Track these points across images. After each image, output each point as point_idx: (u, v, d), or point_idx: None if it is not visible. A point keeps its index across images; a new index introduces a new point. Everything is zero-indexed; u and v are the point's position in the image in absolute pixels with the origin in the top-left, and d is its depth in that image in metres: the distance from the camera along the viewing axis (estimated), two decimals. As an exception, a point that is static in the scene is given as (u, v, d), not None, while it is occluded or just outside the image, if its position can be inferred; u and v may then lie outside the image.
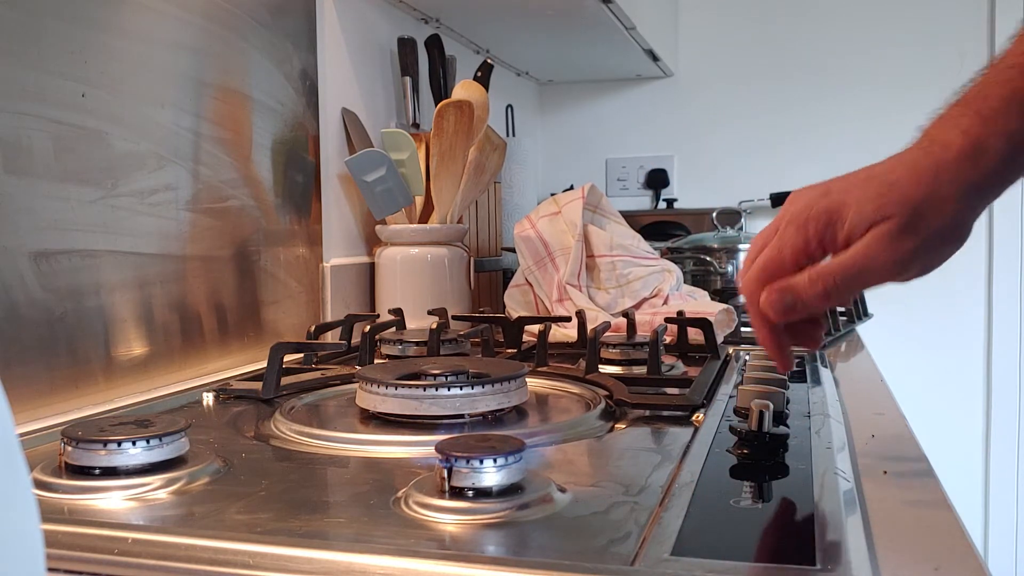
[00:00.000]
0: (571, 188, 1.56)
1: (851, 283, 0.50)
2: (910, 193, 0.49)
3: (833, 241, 0.52)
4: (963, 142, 0.48)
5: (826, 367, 0.91)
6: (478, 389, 0.65)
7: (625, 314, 1.04)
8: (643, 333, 1.00)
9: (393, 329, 1.04)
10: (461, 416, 0.65)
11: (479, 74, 1.40)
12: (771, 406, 0.54)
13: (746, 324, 1.24)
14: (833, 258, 0.51)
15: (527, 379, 0.71)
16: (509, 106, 1.89)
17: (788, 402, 0.62)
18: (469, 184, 1.22)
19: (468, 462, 0.44)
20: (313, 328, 0.96)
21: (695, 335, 0.98)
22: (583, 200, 1.22)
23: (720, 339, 1.03)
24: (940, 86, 0.51)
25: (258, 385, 0.76)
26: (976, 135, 0.48)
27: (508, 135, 1.87)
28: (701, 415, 0.66)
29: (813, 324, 0.56)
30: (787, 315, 0.52)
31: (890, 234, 0.49)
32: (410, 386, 0.64)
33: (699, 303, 1.16)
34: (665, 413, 0.68)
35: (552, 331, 1.05)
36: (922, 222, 0.49)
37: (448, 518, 0.43)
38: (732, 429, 0.56)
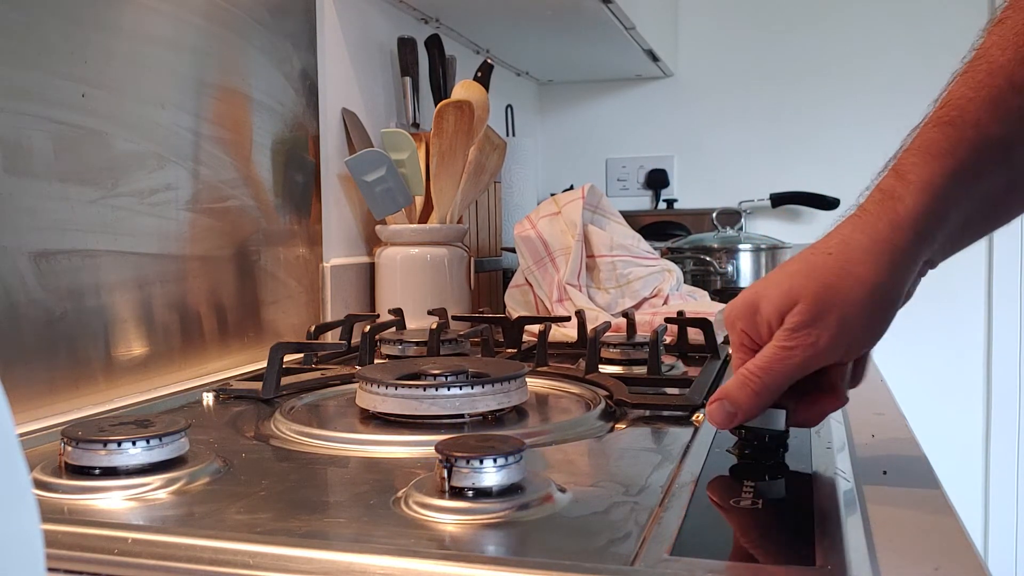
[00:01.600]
0: (571, 188, 1.56)
1: (777, 378, 0.49)
2: (816, 274, 0.48)
3: (759, 336, 0.51)
4: (878, 210, 0.48)
5: (826, 367, 0.91)
6: (478, 389, 0.65)
7: (625, 314, 1.04)
8: (643, 333, 1.00)
9: (393, 329, 1.04)
10: (461, 416, 0.65)
11: (479, 74, 1.40)
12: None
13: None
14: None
15: (527, 379, 0.71)
16: (509, 106, 1.89)
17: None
18: (469, 184, 1.22)
19: (468, 462, 0.44)
20: (313, 328, 0.96)
21: (695, 335, 0.98)
22: (583, 200, 1.22)
23: (720, 339, 1.03)
24: (939, 89, 0.50)
25: (258, 385, 0.76)
26: (891, 191, 0.47)
27: (508, 135, 1.87)
28: (701, 415, 0.66)
29: (831, 393, 0.53)
30: (731, 423, 0.51)
31: (803, 321, 0.48)
32: (410, 386, 0.64)
33: (699, 303, 1.16)
34: (665, 413, 0.68)
35: (552, 331, 1.05)
36: (834, 301, 0.48)
37: (448, 518, 0.43)
38: (732, 429, 0.56)
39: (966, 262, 2.01)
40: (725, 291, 1.51)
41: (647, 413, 0.69)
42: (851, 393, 0.70)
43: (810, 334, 0.48)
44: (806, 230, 2.13)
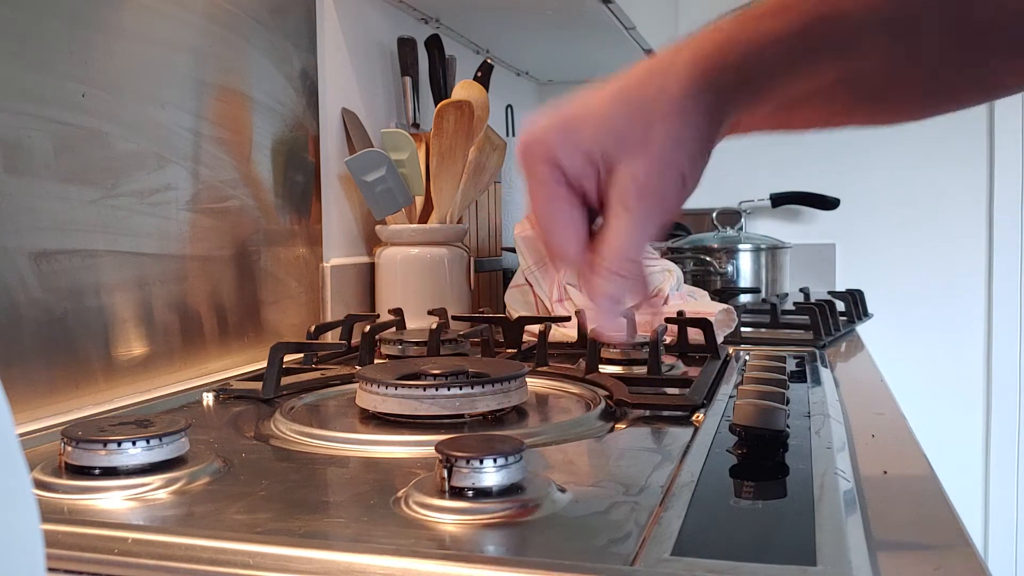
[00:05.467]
0: (571, 188, 1.55)
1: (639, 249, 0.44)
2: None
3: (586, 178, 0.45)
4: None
5: (826, 367, 0.91)
6: (478, 389, 0.65)
7: (625, 314, 1.04)
8: (643, 333, 1.00)
9: (393, 329, 1.04)
10: (461, 416, 0.65)
11: (479, 74, 1.40)
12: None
13: (747, 324, 1.24)
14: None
15: (527, 379, 0.71)
16: (509, 106, 1.89)
17: (788, 402, 0.62)
18: (469, 184, 1.22)
19: (468, 462, 0.44)
20: (313, 328, 0.96)
21: (695, 335, 0.98)
22: (583, 200, 1.21)
23: (720, 339, 1.03)
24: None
25: (258, 385, 0.76)
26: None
27: (508, 135, 1.87)
28: (701, 415, 0.66)
29: None
30: (620, 324, 0.46)
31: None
32: (410, 386, 0.64)
33: (699, 303, 1.16)
34: (665, 413, 0.68)
35: (552, 331, 1.05)
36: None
37: (448, 518, 0.43)
38: (732, 429, 0.56)
39: (966, 262, 2.02)
40: (725, 291, 1.51)
41: (647, 413, 0.69)
42: (851, 393, 0.70)
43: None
44: (806, 230, 2.13)
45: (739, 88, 0.44)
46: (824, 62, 0.43)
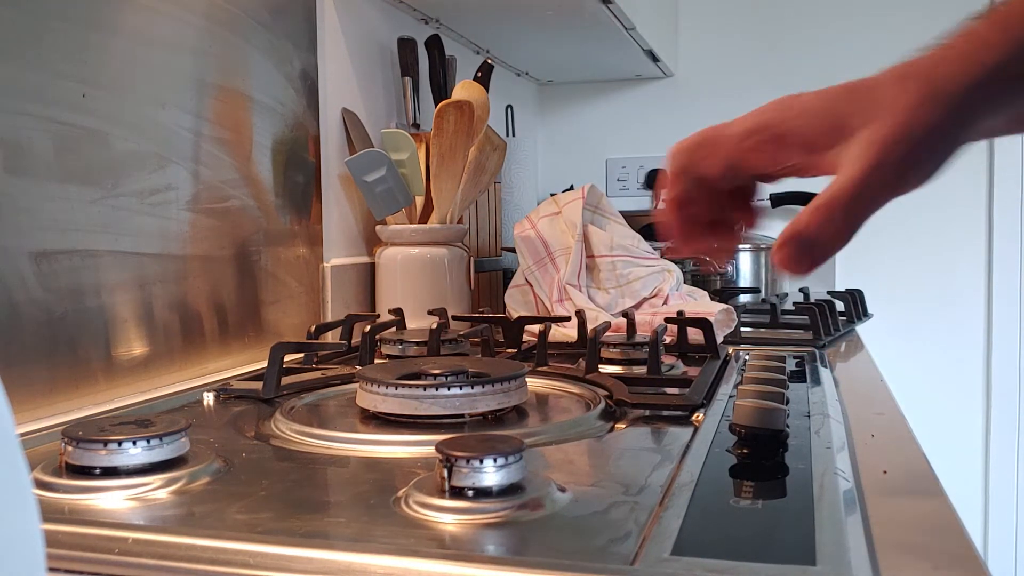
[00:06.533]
0: (571, 188, 1.56)
1: (866, 207, 0.45)
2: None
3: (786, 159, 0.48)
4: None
5: (826, 367, 0.91)
6: (478, 389, 0.65)
7: (625, 314, 1.04)
8: (643, 333, 1.00)
9: (393, 329, 1.04)
10: (461, 416, 0.65)
11: (479, 74, 1.40)
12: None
13: (746, 324, 1.24)
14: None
15: (527, 379, 0.71)
16: (509, 106, 1.89)
17: (788, 402, 0.62)
18: (469, 184, 1.22)
19: (468, 462, 0.44)
20: (313, 328, 0.96)
21: (695, 335, 0.98)
22: (583, 200, 1.22)
23: (720, 339, 1.03)
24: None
25: (258, 385, 0.76)
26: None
27: (508, 135, 1.87)
28: (701, 415, 0.66)
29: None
30: (812, 265, 0.46)
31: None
32: (410, 386, 0.64)
33: (699, 303, 1.16)
34: (665, 413, 0.68)
35: (552, 331, 1.05)
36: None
37: (448, 518, 0.43)
38: (732, 429, 0.56)
39: (966, 262, 2.02)
40: (725, 291, 1.51)
41: (647, 413, 0.69)
42: (851, 393, 0.70)
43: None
44: (806, 230, 2.13)
45: (1000, 94, 0.44)
46: None
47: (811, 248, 0.45)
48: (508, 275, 1.38)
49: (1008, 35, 0.43)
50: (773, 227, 2.36)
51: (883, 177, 0.43)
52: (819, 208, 0.44)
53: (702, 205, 0.52)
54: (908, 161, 0.43)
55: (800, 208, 1.80)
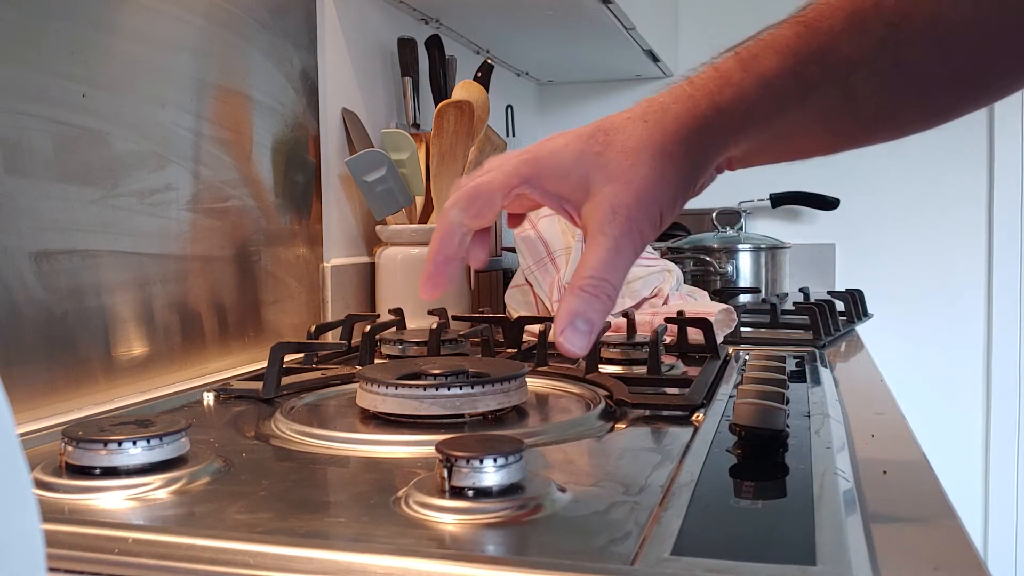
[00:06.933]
0: (571, 188, 1.55)
1: (620, 278, 0.48)
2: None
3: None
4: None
5: (826, 367, 0.91)
6: (478, 389, 0.65)
7: (625, 314, 1.04)
8: (643, 333, 1.00)
9: (393, 329, 1.04)
10: (461, 416, 0.65)
11: (479, 74, 1.40)
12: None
13: (746, 324, 1.24)
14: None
15: (527, 379, 0.71)
16: (509, 106, 1.89)
17: (788, 401, 0.62)
18: (469, 184, 1.22)
19: (468, 462, 0.44)
20: (313, 328, 0.96)
21: (695, 335, 0.98)
22: (583, 200, 1.21)
23: (720, 339, 1.03)
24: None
25: (258, 385, 0.76)
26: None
27: (508, 135, 1.87)
28: (701, 415, 0.66)
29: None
30: (590, 344, 0.49)
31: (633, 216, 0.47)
32: (410, 386, 0.64)
33: (699, 303, 1.16)
34: (665, 413, 0.68)
35: (552, 331, 1.05)
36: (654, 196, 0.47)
37: (448, 518, 0.43)
38: (732, 429, 0.56)
39: (966, 262, 2.02)
40: (725, 291, 1.51)
41: (647, 413, 0.69)
42: (851, 393, 0.70)
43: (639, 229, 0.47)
44: (806, 230, 2.13)
45: (731, 133, 0.47)
46: (820, 95, 0.45)
47: (591, 326, 0.47)
48: (508, 275, 1.38)
49: (748, 75, 0.46)
50: (773, 227, 2.36)
51: (632, 241, 0.47)
52: (584, 289, 0.47)
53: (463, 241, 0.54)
54: (648, 218, 0.47)
55: (800, 208, 1.80)
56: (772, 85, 0.45)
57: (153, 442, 0.51)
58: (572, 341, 0.47)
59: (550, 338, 0.96)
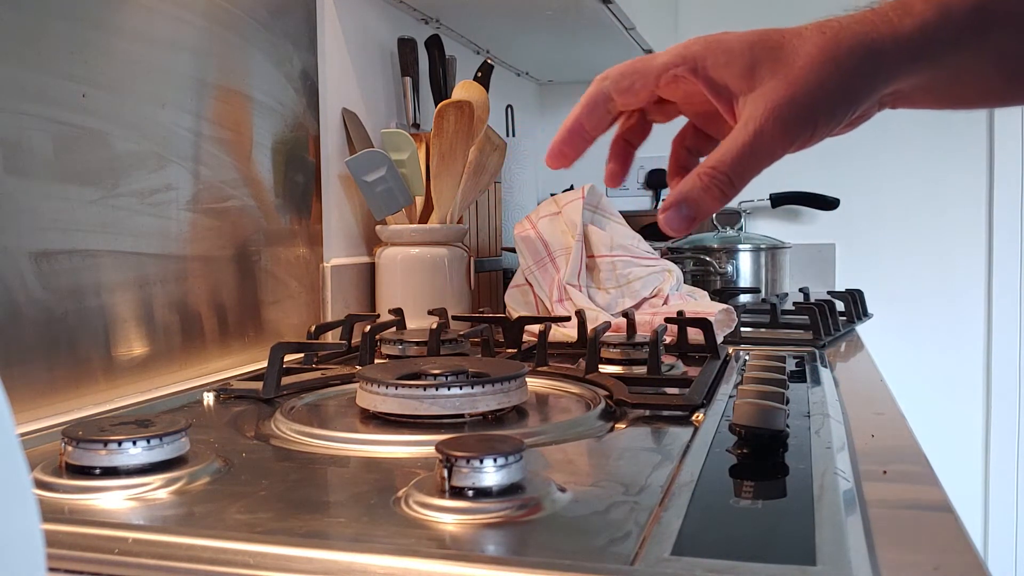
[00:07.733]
0: (571, 188, 1.56)
1: (749, 173, 0.47)
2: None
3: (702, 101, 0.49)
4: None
5: (826, 367, 0.91)
6: (478, 389, 0.65)
7: (625, 314, 1.04)
8: (643, 333, 1.00)
9: (393, 329, 1.04)
10: (461, 416, 0.65)
11: (479, 74, 1.40)
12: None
13: (746, 324, 1.24)
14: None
15: (527, 379, 0.71)
16: (509, 106, 1.89)
17: (788, 402, 0.62)
18: (469, 184, 1.22)
19: (468, 462, 0.44)
20: (313, 328, 0.96)
21: (695, 335, 0.98)
22: (583, 200, 1.22)
23: (720, 339, 1.03)
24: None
25: (258, 385, 0.76)
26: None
27: (508, 135, 1.87)
28: (701, 415, 0.66)
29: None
30: (690, 227, 0.49)
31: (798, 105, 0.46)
32: (410, 386, 0.64)
33: (699, 303, 1.16)
34: (665, 413, 0.68)
35: (552, 331, 1.05)
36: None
37: (448, 518, 0.43)
38: (732, 429, 0.56)
39: (966, 262, 2.02)
40: (725, 291, 1.51)
41: (647, 413, 0.69)
42: (851, 393, 0.70)
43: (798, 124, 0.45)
44: (806, 230, 2.13)
45: (905, 63, 0.45)
46: (1000, 32, 0.45)
47: (696, 212, 0.47)
48: (508, 275, 1.38)
49: (929, 5, 0.45)
50: (773, 227, 2.36)
51: (771, 142, 0.45)
52: (706, 174, 0.46)
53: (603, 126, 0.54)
54: (799, 123, 0.45)
55: (800, 208, 1.80)
56: (954, 16, 0.44)
57: (153, 442, 0.51)
58: (671, 222, 0.47)
59: (550, 336, 0.96)
